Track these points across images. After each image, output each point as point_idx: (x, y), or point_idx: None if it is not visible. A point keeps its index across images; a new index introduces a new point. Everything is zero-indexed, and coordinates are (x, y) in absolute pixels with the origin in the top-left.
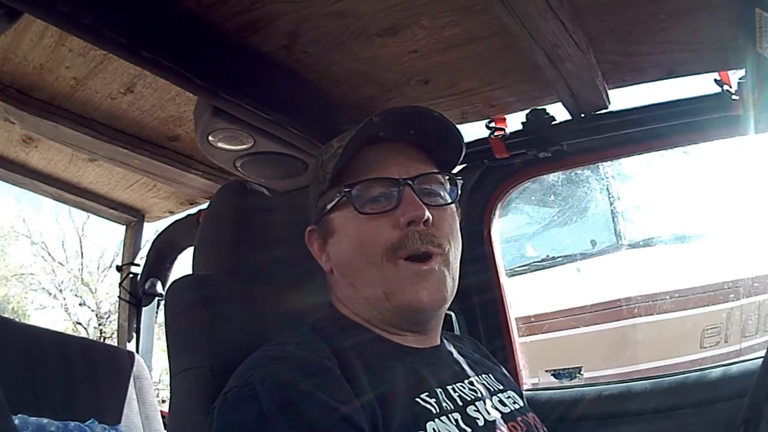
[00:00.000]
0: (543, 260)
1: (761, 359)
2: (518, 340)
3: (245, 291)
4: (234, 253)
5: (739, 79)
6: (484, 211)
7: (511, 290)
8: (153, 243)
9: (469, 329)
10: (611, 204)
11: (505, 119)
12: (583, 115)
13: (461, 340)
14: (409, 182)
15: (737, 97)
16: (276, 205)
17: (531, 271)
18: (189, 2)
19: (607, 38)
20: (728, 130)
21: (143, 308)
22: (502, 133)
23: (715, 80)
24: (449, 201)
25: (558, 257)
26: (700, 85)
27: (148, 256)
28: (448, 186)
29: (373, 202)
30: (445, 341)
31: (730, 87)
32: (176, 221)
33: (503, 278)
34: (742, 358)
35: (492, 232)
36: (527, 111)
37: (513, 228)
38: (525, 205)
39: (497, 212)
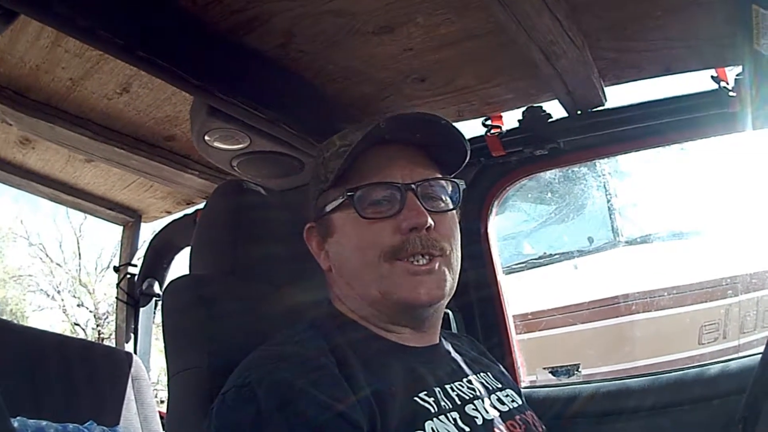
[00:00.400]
0: (540, 257)
1: (759, 355)
2: (516, 338)
3: (242, 291)
4: (231, 252)
5: (736, 75)
6: (481, 209)
7: (508, 288)
8: (150, 243)
9: (467, 327)
10: (608, 201)
11: (501, 117)
12: (579, 113)
13: (459, 338)
14: (412, 187)
15: (734, 94)
16: (272, 203)
17: (528, 269)
18: (184, 2)
19: (603, 35)
20: (725, 126)
21: (141, 309)
22: (499, 130)
23: (712, 77)
24: (450, 207)
25: (555, 254)
26: (697, 81)
27: (145, 256)
28: (449, 189)
29: (376, 205)
30: (443, 340)
31: (727, 84)
32: (173, 221)
33: (500, 276)
34: (740, 354)
35: (489, 230)
36: (523, 108)
37: (510, 225)
38: (522, 202)
39: (494, 210)
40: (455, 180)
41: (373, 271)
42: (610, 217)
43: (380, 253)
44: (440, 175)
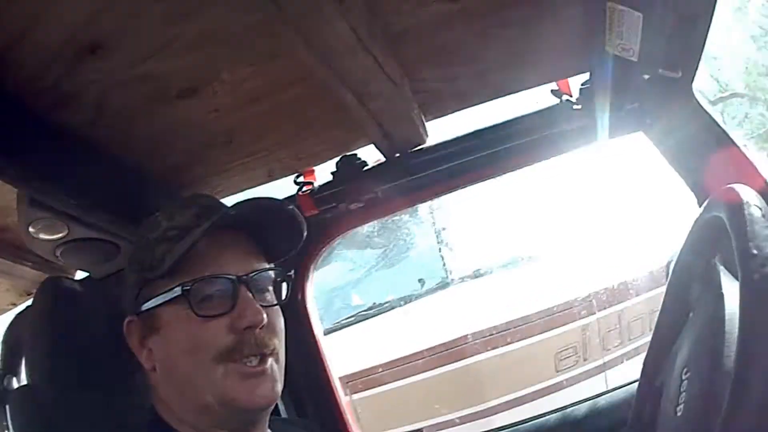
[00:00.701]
0: (370, 308)
1: (634, 384)
2: (349, 400)
3: (72, 401)
4: (51, 360)
5: (582, 84)
6: (297, 276)
7: (336, 348)
8: (3, 339)
9: (296, 406)
10: (437, 238)
11: (313, 172)
12: (398, 155)
13: (292, 423)
14: (245, 280)
15: (579, 106)
16: (89, 299)
17: (358, 322)
18: (8, 83)
19: (425, 65)
20: (573, 143)
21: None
22: (311, 187)
23: (552, 91)
24: (275, 302)
25: (385, 303)
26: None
27: (2, 353)
28: (275, 278)
29: (208, 300)
30: None
31: (571, 96)
32: (18, 315)
33: (321, 340)
34: (610, 388)
35: (307, 298)
36: (337, 159)
37: (336, 277)
38: (347, 249)
39: (311, 275)
40: (287, 273)
41: (205, 374)
42: (441, 256)
43: (214, 354)
44: (267, 264)
